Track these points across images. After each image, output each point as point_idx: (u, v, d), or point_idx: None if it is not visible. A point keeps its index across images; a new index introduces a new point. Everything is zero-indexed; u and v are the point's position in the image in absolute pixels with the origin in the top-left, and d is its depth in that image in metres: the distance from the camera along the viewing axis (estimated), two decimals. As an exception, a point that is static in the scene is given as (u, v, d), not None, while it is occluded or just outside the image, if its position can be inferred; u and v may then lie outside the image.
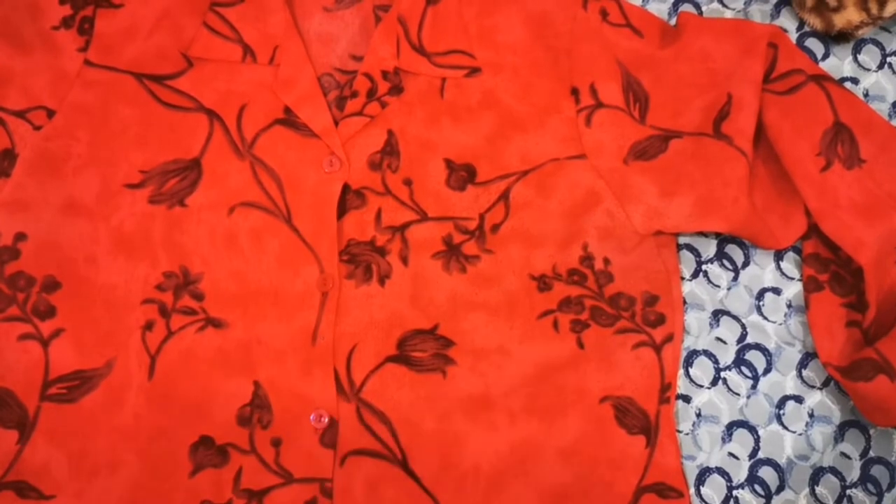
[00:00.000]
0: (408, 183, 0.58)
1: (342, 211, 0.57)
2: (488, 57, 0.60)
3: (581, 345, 0.56)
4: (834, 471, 0.57)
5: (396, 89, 0.59)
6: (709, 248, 0.60)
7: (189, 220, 0.57)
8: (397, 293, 0.56)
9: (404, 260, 0.57)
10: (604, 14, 0.60)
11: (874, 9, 0.60)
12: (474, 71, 0.59)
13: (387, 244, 0.57)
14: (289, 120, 0.58)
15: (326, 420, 0.54)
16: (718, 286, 0.60)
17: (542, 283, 0.57)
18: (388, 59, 0.59)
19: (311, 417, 0.54)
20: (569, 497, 0.54)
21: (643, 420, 0.55)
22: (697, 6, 0.64)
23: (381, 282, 0.56)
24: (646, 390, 0.56)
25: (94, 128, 0.58)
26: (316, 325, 0.55)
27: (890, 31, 0.64)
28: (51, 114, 0.58)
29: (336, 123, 0.58)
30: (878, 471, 0.57)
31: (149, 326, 0.55)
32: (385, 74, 0.59)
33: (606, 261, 0.57)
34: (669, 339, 0.57)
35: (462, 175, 0.58)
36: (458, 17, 0.60)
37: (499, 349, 0.56)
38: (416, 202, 0.58)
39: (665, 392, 0.56)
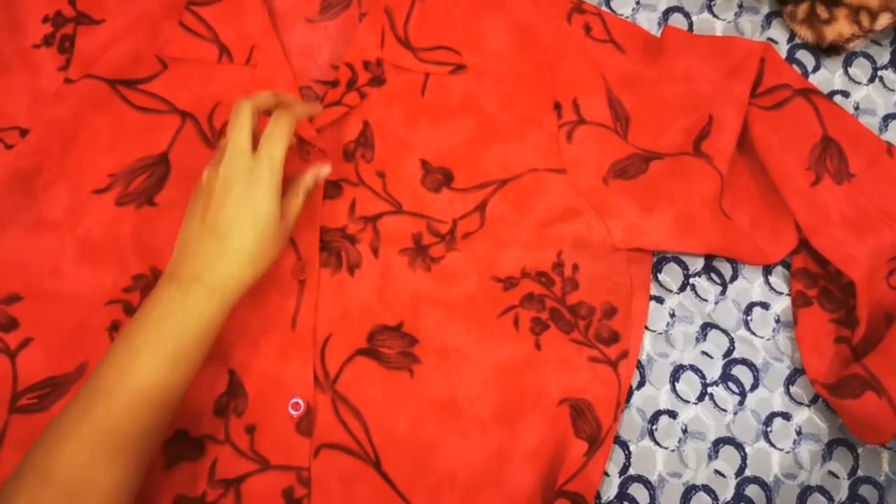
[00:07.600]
0: (381, 175, 0.57)
1: None
2: (474, 60, 0.59)
3: (538, 346, 0.55)
4: (822, 490, 0.56)
5: (378, 80, 0.58)
6: (696, 261, 0.60)
7: (160, 219, 0.56)
8: (367, 285, 0.56)
9: (375, 251, 0.56)
10: (587, 29, 0.60)
11: (866, 21, 0.59)
12: (459, 68, 0.59)
13: (358, 233, 0.56)
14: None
15: (303, 408, 0.53)
16: (706, 300, 0.59)
17: (509, 283, 0.56)
18: (372, 49, 0.58)
19: (290, 405, 0.53)
20: (532, 501, 0.53)
21: (594, 429, 0.54)
22: (688, 16, 0.64)
23: (351, 271, 0.56)
24: (606, 402, 0.55)
25: (66, 140, 0.57)
26: (296, 311, 0.54)
27: (881, 45, 0.63)
28: (24, 133, 0.57)
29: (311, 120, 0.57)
30: (866, 490, 0.56)
31: (114, 327, 0.54)
32: (367, 65, 0.58)
33: (575, 267, 0.57)
34: (624, 355, 0.56)
35: (438, 178, 0.57)
36: (446, 13, 0.59)
37: (457, 350, 0.55)
38: (390, 194, 0.57)
39: (617, 409, 0.55)
